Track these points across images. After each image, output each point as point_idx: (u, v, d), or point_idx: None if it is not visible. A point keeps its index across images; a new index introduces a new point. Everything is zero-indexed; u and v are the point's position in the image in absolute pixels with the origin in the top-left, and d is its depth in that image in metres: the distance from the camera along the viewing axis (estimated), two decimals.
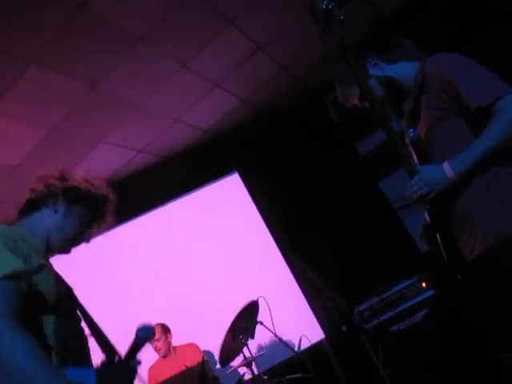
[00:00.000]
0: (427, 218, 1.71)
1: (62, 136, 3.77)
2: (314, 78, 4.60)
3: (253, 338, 3.48)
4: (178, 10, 3.17)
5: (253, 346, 3.54)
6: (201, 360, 3.41)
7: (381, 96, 1.88)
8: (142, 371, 4.02)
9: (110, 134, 4.05)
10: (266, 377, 3.44)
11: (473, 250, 1.68)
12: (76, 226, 1.73)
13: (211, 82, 4.07)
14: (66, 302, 1.61)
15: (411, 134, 1.81)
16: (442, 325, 3.39)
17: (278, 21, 3.76)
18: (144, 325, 1.83)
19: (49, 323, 1.48)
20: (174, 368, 3.86)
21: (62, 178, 1.76)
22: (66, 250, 1.75)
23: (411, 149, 1.82)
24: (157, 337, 3.97)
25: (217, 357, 4.24)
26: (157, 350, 3.99)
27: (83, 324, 1.69)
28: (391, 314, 3.63)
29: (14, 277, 1.37)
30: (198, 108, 4.31)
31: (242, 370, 3.71)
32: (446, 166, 1.63)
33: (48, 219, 1.69)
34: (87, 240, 1.79)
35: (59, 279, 1.69)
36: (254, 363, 3.47)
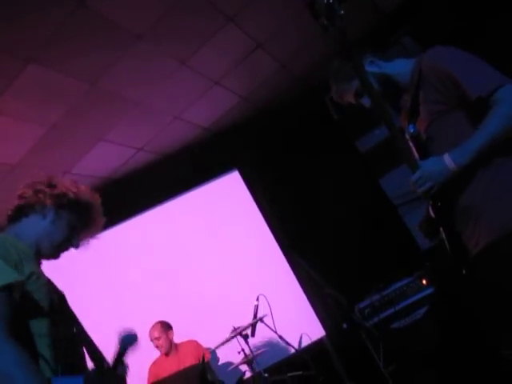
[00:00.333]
0: (431, 214, 1.71)
1: (61, 134, 3.77)
2: (314, 75, 4.59)
3: (253, 335, 3.49)
4: (178, 7, 3.16)
5: (253, 343, 3.54)
6: (201, 358, 3.42)
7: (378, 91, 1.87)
8: (144, 368, 4.02)
9: (109, 132, 4.05)
10: (266, 374, 3.44)
11: (477, 244, 1.67)
12: (65, 232, 1.74)
13: (211, 79, 4.07)
14: (58, 307, 1.62)
15: (411, 130, 1.80)
16: (443, 321, 3.39)
17: (278, 18, 3.75)
18: (126, 331, 1.84)
19: (41, 330, 1.49)
20: (175, 365, 3.87)
21: (50, 184, 1.77)
22: (54, 255, 1.76)
23: (412, 145, 1.81)
24: (158, 335, 3.97)
25: (218, 354, 4.27)
26: (158, 347, 3.99)
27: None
28: (392, 311, 3.63)
29: (7, 288, 1.39)
30: (197, 106, 4.30)
31: (243, 367, 3.71)
32: (447, 158, 1.63)
33: (37, 225, 1.70)
34: (76, 245, 1.80)
35: (51, 285, 1.70)
36: (254, 361, 3.48)
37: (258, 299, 3.53)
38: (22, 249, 1.58)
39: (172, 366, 3.86)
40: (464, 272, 1.64)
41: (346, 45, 1.65)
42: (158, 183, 4.78)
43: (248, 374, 3.75)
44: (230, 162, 5.09)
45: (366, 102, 1.90)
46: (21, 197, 1.75)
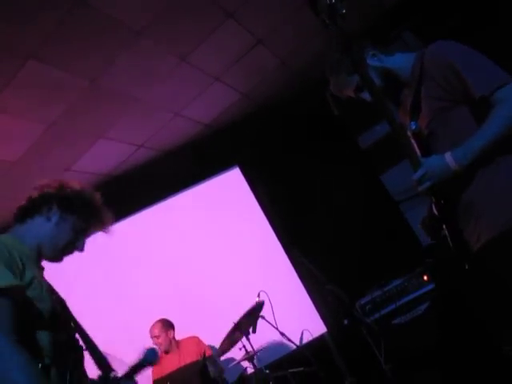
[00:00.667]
0: (435, 212, 1.70)
1: (61, 131, 3.76)
2: (314, 71, 4.57)
3: (254, 332, 3.49)
4: (178, 3, 3.14)
5: (255, 340, 3.54)
6: (202, 354, 3.43)
7: (379, 87, 1.86)
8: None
9: (109, 129, 4.04)
10: (267, 371, 3.44)
11: (478, 240, 1.67)
12: (69, 235, 1.73)
13: (211, 75, 4.06)
14: (60, 313, 1.62)
15: (413, 127, 1.79)
16: (444, 317, 3.39)
17: (278, 14, 3.73)
18: (152, 348, 1.85)
19: (45, 336, 1.48)
20: (176, 362, 3.88)
21: (59, 187, 1.76)
22: (57, 258, 1.74)
23: (414, 141, 1.80)
24: (157, 334, 3.97)
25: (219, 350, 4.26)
26: (157, 346, 3.99)
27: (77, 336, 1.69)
28: (393, 307, 3.63)
29: (10, 292, 1.38)
30: (198, 102, 4.29)
31: (245, 364, 3.72)
32: (449, 157, 1.63)
33: (41, 227, 1.69)
34: (80, 249, 1.78)
35: (52, 291, 1.69)
36: (255, 357, 3.48)
37: (259, 295, 3.53)
38: (25, 252, 1.57)
39: (173, 363, 3.87)
40: (467, 267, 1.64)
41: (346, 41, 1.65)
42: (158, 180, 4.77)
43: (249, 371, 3.75)
44: (231, 159, 5.08)
45: (367, 96, 1.89)
46: (28, 198, 1.74)
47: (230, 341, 3.47)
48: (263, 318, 3.51)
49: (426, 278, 3.65)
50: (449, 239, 1.67)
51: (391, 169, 4.55)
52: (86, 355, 1.69)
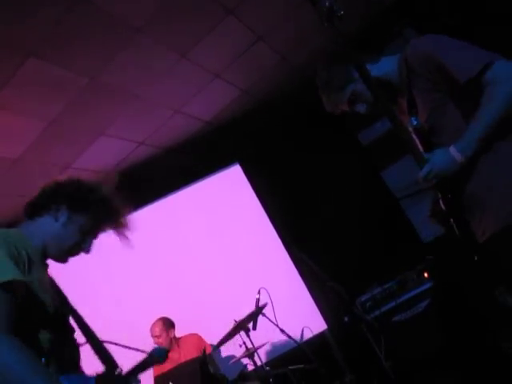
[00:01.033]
0: (442, 206, 1.70)
1: (62, 129, 3.76)
2: (315, 67, 4.56)
3: (255, 329, 3.49)
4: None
5: (255, 337, 3.55)
6: (202, 351, 3.43)
7: (372, 99, 1.85)
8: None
9: (110, 126, 4.03)
10: (268, 368, 3.45)
11: (484, 233, 1.68)
12: (76, 237, 1.70)
13: (211, 72, 4.05)
14: (61, 311, 1.61)
15: (414, 123, 1.78)
16: (444, 314, 3.39)
17: (279, 10, 3.72)
18: (160, 347, 1.84)
19: (43, 336, 1.47)
20: (176, 360, 3.88)
21: (71, 185, 1.73)
22: (62, 259, 1.72)
23: (416, 138, 1.80)
24: (158, 333, 3.97)
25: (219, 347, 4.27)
26: (158, 345, 3.97)
27: (79, 333, 1.69)
28: (393, 304, 3.64)
29: (12, 286, 1.37)
30: (198, 99, 4.28)
31: (245, 360, 3.73)
32: (453, 150, 1.62)
33: (48, 227, 1.66)
34: (87, 251, 1.75)
35: (55, 287, 1.68)
36: (256, 354, 3.49)
37: (259, 292, 3.53)
38: (31, 249, 1.55)
39: (174, 361, 3.87)
40: (476, 258, 1.63)
41: (335, 56, 1.66)
42: (158, 177, 4.77)
43: (250, 368, 3.76)
44: (231, 156, 5.07)
45: (361, 108, 1.92)
46: (39, 193, 1.71)
47: (230, 337, 3.48)
48: (264, 315, 3.52)
49: (426, 275, 3.65)
50: (456, 232, 1.66)
51: (392, 165, 4.54)
52: (90, 351, 1.68)
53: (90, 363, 1.65)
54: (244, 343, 3.53)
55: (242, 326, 3.43)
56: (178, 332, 4.13)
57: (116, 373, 1.62)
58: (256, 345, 3.52)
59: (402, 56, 1.82)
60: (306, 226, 4.72)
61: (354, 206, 4.55)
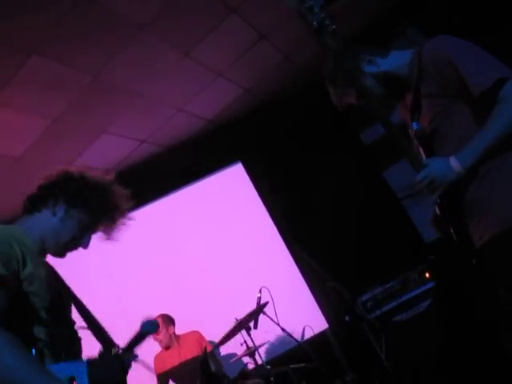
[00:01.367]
0: (437, 212, 1.70)
1: (64, 127, 3.76)
2: (318, 66, 4.55)
3: (256, 328, 3.49)
4: None
5: (256, 335, 3.55)
6: (203, 348, 3.43)
7: (381, 93, 1.84)
8: (149, 358, 4.03)
9: (112, 124, 4.04)
10: (269, 366, 3.45)
11: (481, 237, 1.67)
12: (74, 232, 1.69)
13: (214, 71, 4.04)
14: (59, 302, 1.60)
15: (415, 127, 1.78)
16: (445, 314, 3.39)
17: (281, 9, 3.71)
18: (148, 319, 1.84)
19: (40, 331, 1.48)
20: (176, 357, 3.88)
21: (69, 178, 1.72)
22: (60, 253, 1.71)
23: (416, 142, 1.80)
24: (157, 330, 3.96)
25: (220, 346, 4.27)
26: (158, 341, 3.98)
27: (80, 319, 1.69)
28: (394, 304, 3.63)
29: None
30: (201, 98, 4.28)
31: (246, 359, 3.73)
32: (453, 161, 1.62)
33: (46, 222, 1.66)
34: (85, 246, 1.75)
35: (55, 277, 1.68)
36: (257, 353, 3.49)
37: (260, 291, 3.53)
38: (28, 244, 1.55)
39: (174, 359, 3.87)
40: (474, 262, 1.64)
41: (339, 56, 1.65)
42: (161, 175, 4.77)
43: (250, 366, 3.76)
44: (234, 154, 5.07)
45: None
46: (38, 188, 1.70)
47: (231, 336, 3.48)
48: (265, 313, 3.52)
49: (427, 274, 3.64)
50: (454, 236, 1.67)
51: (394, 165, 4.54)
52: (90, 335, 1.68)
53: (93, 348, 1.65)
54: (245, 342, 3.53)
55: (243, 325, 3.43)
56: (179, 330, 4.13)
57: (113, 353, 1.62)
58: (257, 343, 3.52)
59: (416, 54, 1.81)
60: (308, 225, 4.71)
61: (355, 206, 4.54)
